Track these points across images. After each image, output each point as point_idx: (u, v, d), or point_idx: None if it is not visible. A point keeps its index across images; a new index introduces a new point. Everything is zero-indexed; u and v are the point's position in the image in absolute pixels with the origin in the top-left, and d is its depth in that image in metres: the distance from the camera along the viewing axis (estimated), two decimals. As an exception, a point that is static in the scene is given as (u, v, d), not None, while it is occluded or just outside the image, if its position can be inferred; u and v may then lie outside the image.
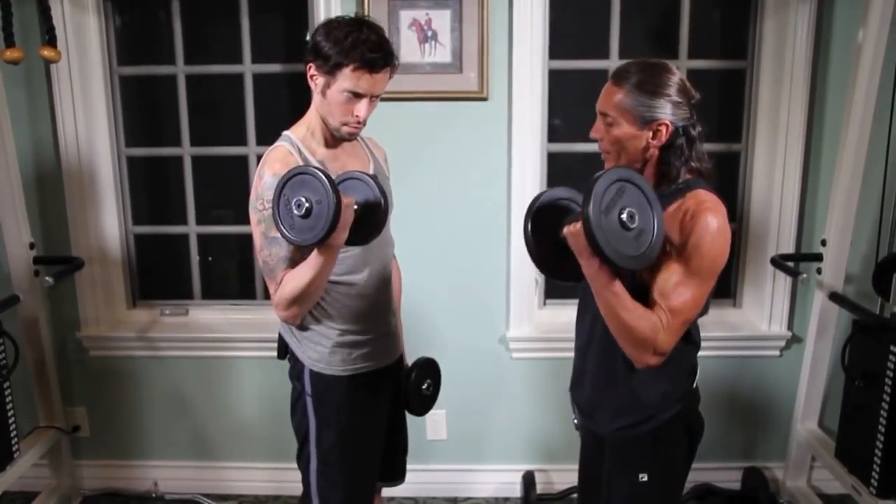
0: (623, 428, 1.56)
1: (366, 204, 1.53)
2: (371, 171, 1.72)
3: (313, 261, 1.51)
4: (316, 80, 1.58)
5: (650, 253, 1.35)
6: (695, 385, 1.59)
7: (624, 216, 1.31)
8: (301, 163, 1.58)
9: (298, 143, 1.62)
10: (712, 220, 1.37)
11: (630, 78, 1.42)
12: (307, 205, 1.42)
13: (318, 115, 1.63)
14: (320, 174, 1.42)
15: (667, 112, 1.41)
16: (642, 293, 1.45)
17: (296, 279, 1.55)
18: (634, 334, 1.38)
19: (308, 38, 2.58)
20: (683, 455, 1.60)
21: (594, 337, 1.58)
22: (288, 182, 1.45)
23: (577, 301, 1.68)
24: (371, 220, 1.55)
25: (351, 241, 1.52)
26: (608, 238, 1.29)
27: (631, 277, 1.45)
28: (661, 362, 1.41)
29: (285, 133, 1.66)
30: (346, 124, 1.60)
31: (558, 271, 1.51)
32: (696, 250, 1.37)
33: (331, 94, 1.56)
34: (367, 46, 1.51)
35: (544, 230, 1.47)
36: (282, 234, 1.48)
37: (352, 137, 1.65)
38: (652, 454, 1.54)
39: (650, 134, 1.43)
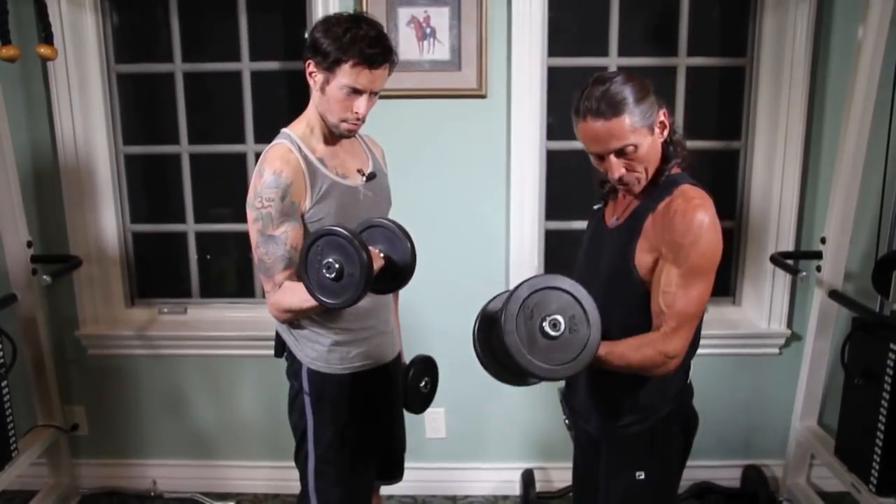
0: (619, 427, 1.56)
1: (394, 254, 1.56)
2: (370, 169, 1.72)
3: None
4: (315, 77, 1.57)
5: (584, 356, 1.35)
6: (688, 380, 1.59)
7: (546, 325, 1.33)
8: (301, 160, 1.58)
9: (298, 140, 1.61)
10: (703, 217, 1.38)
11: (617, 102, 1.36)
12: (338, 267, 1.42)
13: (318, 112, 1.62)
14: (352, 238, 1.41)
15: (654, 103, 1.42)
16: (642, 296, 1.46)
17: (297, 296, 1.55)
18: (644, 364, 1.43)
19: (306, 35, 2.59)
20: (679, 451, 1.61)
21: None
22: (318, 241, 1.45)
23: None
24: (398, 269, 1.58)
25: (376, 291, 1.53)
26: (525, 352, 1.32)
27: (630, 282, 1.46)
28: (681, 361, 1.45)
29: (284, 130, 1.65)
30: (345, 121, 1.59)
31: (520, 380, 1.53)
32: (693, 249, 1.38)
33: (330, 90, 1.56)
34: (365, 42, 1.51)
35: (490, 342, 1.49)
36: (311, 293, 1.48)
37: (351, 134, 1.65)
38: (648, 452, 1.54)
39: (658, 130, 1.44)
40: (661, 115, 1.43)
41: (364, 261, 1.40)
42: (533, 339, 1.33)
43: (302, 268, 1.48)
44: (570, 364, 1.35)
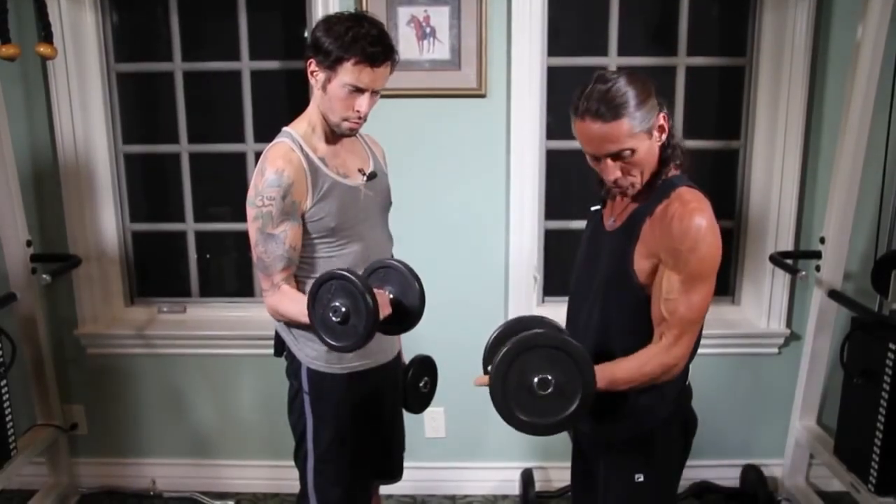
0: (618, 430, 1.56)
1: (404, 298, 1.58)
2: (370, 169, 1.72)
3: None
4: (317, 76, 1.57)
5: (572, 417, 1.36)
6: (687, 382, 1.59)
7: (535, 382, 1.33)
8: (303, 159, 1.58)
9: (299, 139, 1.61)
10: (701, 222, 1.37)
11: (617, 104, 1.35)
12: (344, 311, 1.44)
13: (319, 111, 1.62)
14: (364, 291, 1.43)
15: (655, 106, 1.41)
16: (642, 300, 1.46)
17: (296, 307, 1.58)
18: (651, 376, 1.44)
19: (307, 34, 2.59)
20: (678, 453, 1.61)
21: (585, 341, 1.57)
22: (331, 281, 1.46)
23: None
24: (406, 313, 1.60)
25: (385, 332, 1.55)
26: (512, 405, 1.35)
27: (629, 286, 1.46)
28: (684, 365, 1.47)
29: (286, 129, 1.65)
30: (346, 119, 1.59)
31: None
32: (692, 254, 1.38)
33: (332, 89, 1.56)
34: (367, 40, 1.51)
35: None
36: (322, 340, 1.50)
37: (352, 133, 1.65)
38: (647, 454, 1.54)
39: (657, 134, 1.42)
40: (661, 119, 1.42)
41: (370, 317, 1.43)
42: (521, 397, 1.35)
43: (310, 299, 1.49)
44: (566, 417, 1.36)
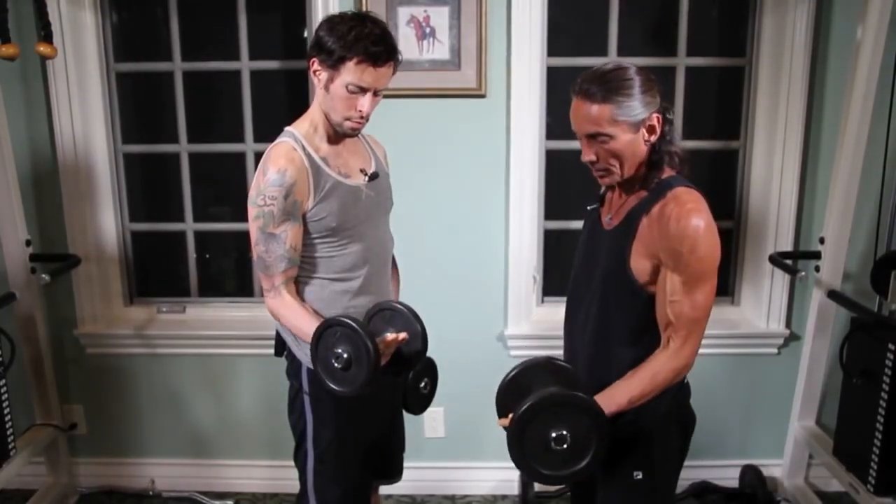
0: (616, 428, 1.56)
1: (407, 343, 1.61)
2: (372, 169, 1.72)
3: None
4: (319, 76, 1.57)
5: (584, 471, 1.41)
6: (685, 381, 1.60)
7: (553, 436, 1.38)
8: (305, 159, 1.58)
9: (302, 139, 1.61)
10: (698, 222, 1.38)
11: (606, 89, 1.38)
12: (346, 357, 1.49)
13: (321, 110, 1.62)
14: (371, 349, 1.47)
15: (651, 105, 1.42)
16: (640, 298, 1.47)
17: (296, 323, 1.62)
18: (665, 383, 1.45)
19: (306, 34, 2.59)
20: (677, 451, 1.61)
21: (583, 341, 1.58)
22: (338, 327, 1.51)
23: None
24: (408, 356, 1.63)
25: (387, 374, 1.58)
26: (531, 462, 1.40)
27: (628, 284, 1.46)
28: (693, 363, 1.48)
29: (287, 129, 1.65)
30: (349, 119, 1.59)
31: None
32: (692, 255, 1.38)
33: (334, 88, 1.56)
34: (370, 40, 1.51)
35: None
36: (325, 385, 1.56)
37: (354, 133, 1.65)
38: (646, 452, 1.54)
39: (645, 132, 1.43)
40: (654, 119, 1.42)
41: (371, 366, 1.47)
42: (539, 453, 1.40)
43: (314, 341, 1.54)
44: (582, 468, 1.41)
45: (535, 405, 1.38)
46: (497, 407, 1.58)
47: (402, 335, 1.60)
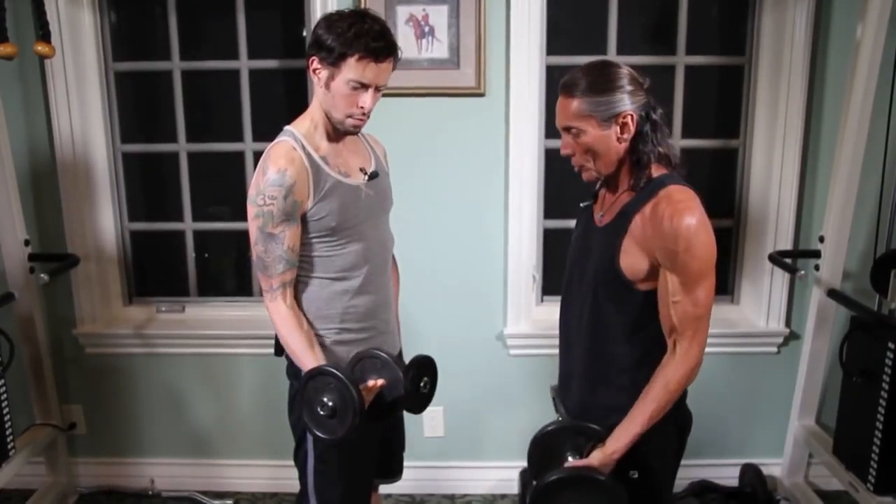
0: (612, 427, 1.56)
1: (388, 387, 1.64)
2: (372, 168, 1.72)
3: (309, 358, 1.60)
4: (319, 74, 1.57)
5: None
6: None
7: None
8: (305, 159, 1.58)
9: (301, 138, 1.61)
10: (691, 220, 1.38)
11: (580, 84, 1.44)
12: (331, 406, 1.53)
13: (322, 109, 1.62)
14: (345, 381, 1.50)
15: (625, 103, 1.43)
16: (632, 294, 1.47)
17: (292, 341, 1.62)
18: (679, 390, 1.47)
19: (305, 33, 2.59)
20: (673, 450, 1.61)
21: (578, 339, 1.58)
22: (325, 376, 1.54)
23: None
24: (390, 398, 1.65)
25: (370, 419, 1.60)
26: None
27: (618, 279, 1.47)
28: (702, 360, 1.48)
29: (287, 128, 1.65)
30: (350, 116, 1.59)
31: None
32: (688, 255, 1.39)
33: (335, 86, 1.56)
34: (370, 36, 1.51)
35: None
36: (310, 432, 1.60)
37: (356, 130, 1.65)
38: (642, 451, 1.54)
39: (618, 129, 1.44)
40: (626, 118, 1.43)
41: (356, 415, 1.50)
42: None
43: (300, 390, 1.57)
44: None
45: (552, 484, 1.48)
46: (528, 462, 1.60)
47: (380, 381, 1.62)
